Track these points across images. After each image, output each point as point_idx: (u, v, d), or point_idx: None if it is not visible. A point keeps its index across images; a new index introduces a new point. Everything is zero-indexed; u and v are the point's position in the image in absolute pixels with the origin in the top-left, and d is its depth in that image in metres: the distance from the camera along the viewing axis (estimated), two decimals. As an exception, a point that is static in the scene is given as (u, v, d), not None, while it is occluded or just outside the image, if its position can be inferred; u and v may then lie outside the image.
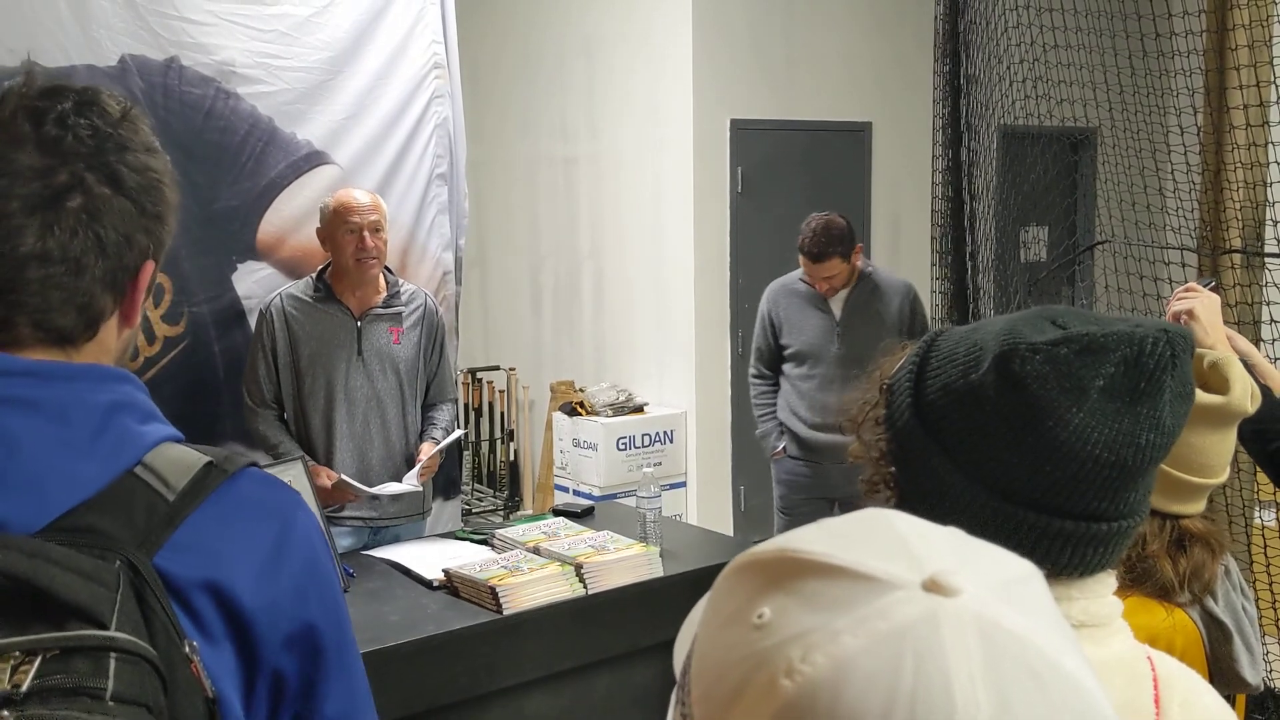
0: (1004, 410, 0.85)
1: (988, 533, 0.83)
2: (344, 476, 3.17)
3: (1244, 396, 1.46)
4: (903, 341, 1.01)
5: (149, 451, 0.92)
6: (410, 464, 3.34)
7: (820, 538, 0.55)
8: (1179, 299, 1.95)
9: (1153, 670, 0.90)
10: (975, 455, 0.87)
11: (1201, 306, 1.90)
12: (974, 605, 0.50)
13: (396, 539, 3.35)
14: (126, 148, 0.95)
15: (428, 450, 3.33)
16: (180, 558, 0.88)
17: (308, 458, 3.17)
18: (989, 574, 0.54)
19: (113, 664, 0.80)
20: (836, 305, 4.01)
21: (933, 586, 0.51)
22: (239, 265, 3.56)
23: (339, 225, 3.22)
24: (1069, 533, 0.86)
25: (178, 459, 0.93)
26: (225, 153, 3.50)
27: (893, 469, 0.94)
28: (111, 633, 0.80)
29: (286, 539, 0.96)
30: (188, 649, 0.86)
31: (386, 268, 3.39)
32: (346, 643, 1.00)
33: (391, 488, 3.26)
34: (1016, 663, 0.49)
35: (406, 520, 3.43)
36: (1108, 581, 0.90)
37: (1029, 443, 0.84)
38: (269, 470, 2.85)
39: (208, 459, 0.95)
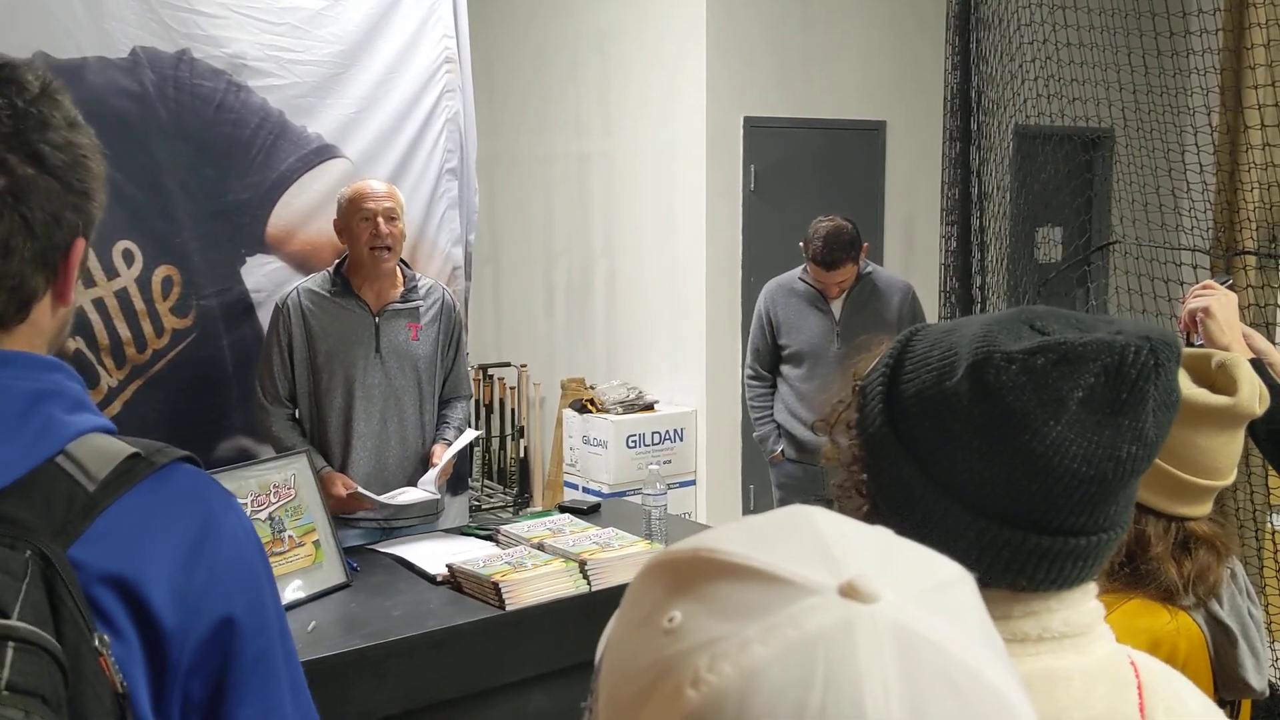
0: (978, 421, 0.81)
1: (960, 548, 0.80)
2: (359, 488, 3.15)
3: (1252, 398, 1.43)
4: (880, 338, 0.97)
5: (73, 441, 0.90)
6: (425, 462, 3.33)
7: (737, 537, 0.53)
8: (1195, 296, 1.93)
9: (1136, 675, 0.87)
10: (948, 467, 0.83)
11: (1218, 304, 1.87)
12: (892, 613, 0.48)
13: (406, 539, 3.33)
14: (48, 125, 0.93)
15: (440, 451, 3.31)
16: (94, 549, 0.87)
17: (314, 452, 3.16)
18: (911, 579, 0.51)
19: (10, 654, 0.78)
20: (837, 305, 4.00)
21: (849, 592, 0.48)
22: (248, 258, 3.56)
23: (354, 214, 3.22)
24: (1045, 548, 0.82)
25: (102, 449, 0.91)
26: (236, 146, 3.51)
27: (864, 476, 0.90)
28: (12, 622, 0.79)
29: (208, 536, 0.94)
30: (98, 642, 0.84)
31: (403, 261, 3.38)
32: (270, 652, 0.97)
33: (408, 495, 3.23)
34: (935, 675, 0.47)
35: (420, 520, 3.41)
36: (1088, 590, 0.87)
37: (1004, 455, 0.80)
38: (272, 463, 2.85)
39: (134, 450, 0.92)
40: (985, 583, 0.81)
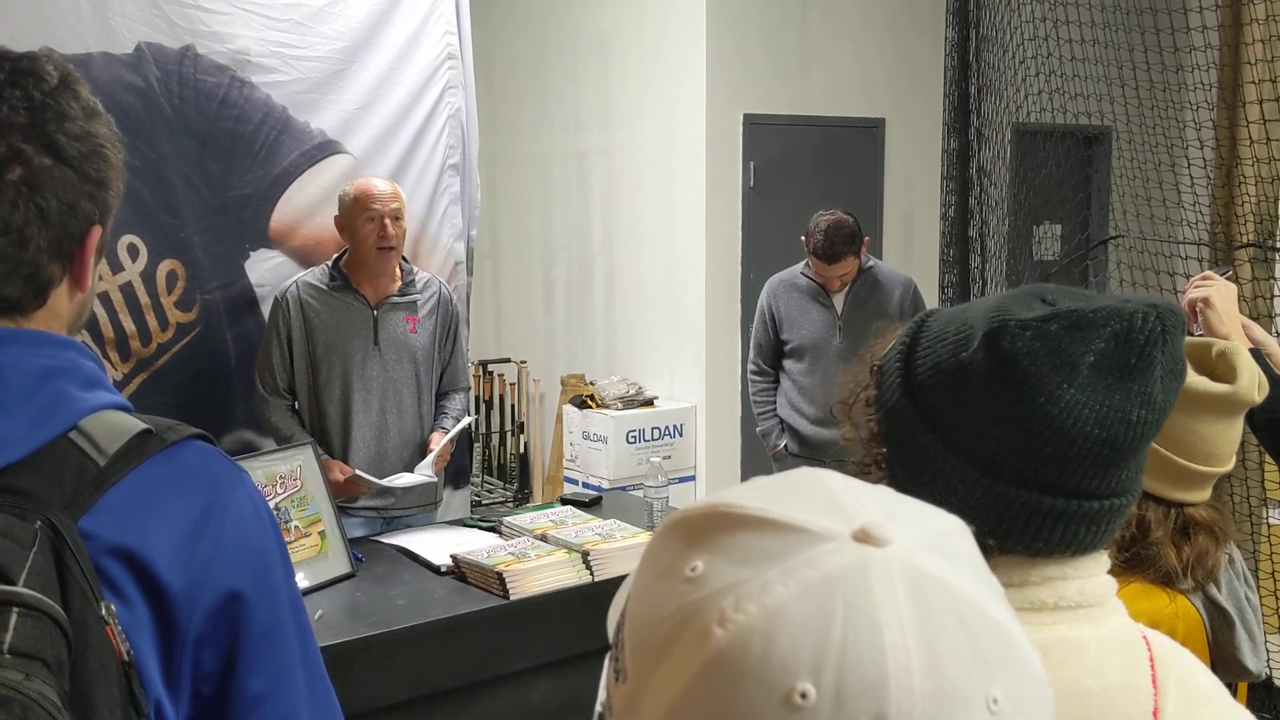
0: (994, 387, 0.84)
1: (978, 511, 0.83)
2: (357, 471, 3.17)
3: (1251, 385, 1.45)
4: (893, 325, 1.00)
5: (86, 417, 0.92)
6: (424, 452, 3.36)
7: (751, 494, 0.56)
8: (1195, 287, 1.95)
9: (1149, 649, 0.89)
10: (965, 433, 0.86)
11: (1218, 295, 1.89)
12: (902, 555, 0.51)
13: (408, 529, 3.36)
14: (65, 115, 0.94)
15: (438, 440, 3.34)
16: (103, 521, 0.89)
17: (316, 445, 3.18)
18: (916, 527, 0.54)
19: (13, 618, 0.80)
20: (839, 300, 4.01)
21: (863, 537, 0.52)
22: (252, 253, 3.57)
23: (359, 214, 3.24)
24: (1060, 511, 0.85)
25: (114, 424, 0.93)
26: (239, 141, 3.52)
27: (883, 450, 0.93)
28: (16, 588, 0.81)
29: (214, 511, 0.96)
30: (104, 611, 0.86)
31: (401, 255, 3.40)
32: (280, 626, 0.99)
33: (404, 479, 3.26)
34: (945, 610, 0.50)
35: (419, 510, 3.44)
36: (1102, 561, 0.90)
37: (1019, 420, 0.83)
38: (278, 454, 2.87)
39: (145, 426, 0.94)
40: (1003, 548, 0.85)
